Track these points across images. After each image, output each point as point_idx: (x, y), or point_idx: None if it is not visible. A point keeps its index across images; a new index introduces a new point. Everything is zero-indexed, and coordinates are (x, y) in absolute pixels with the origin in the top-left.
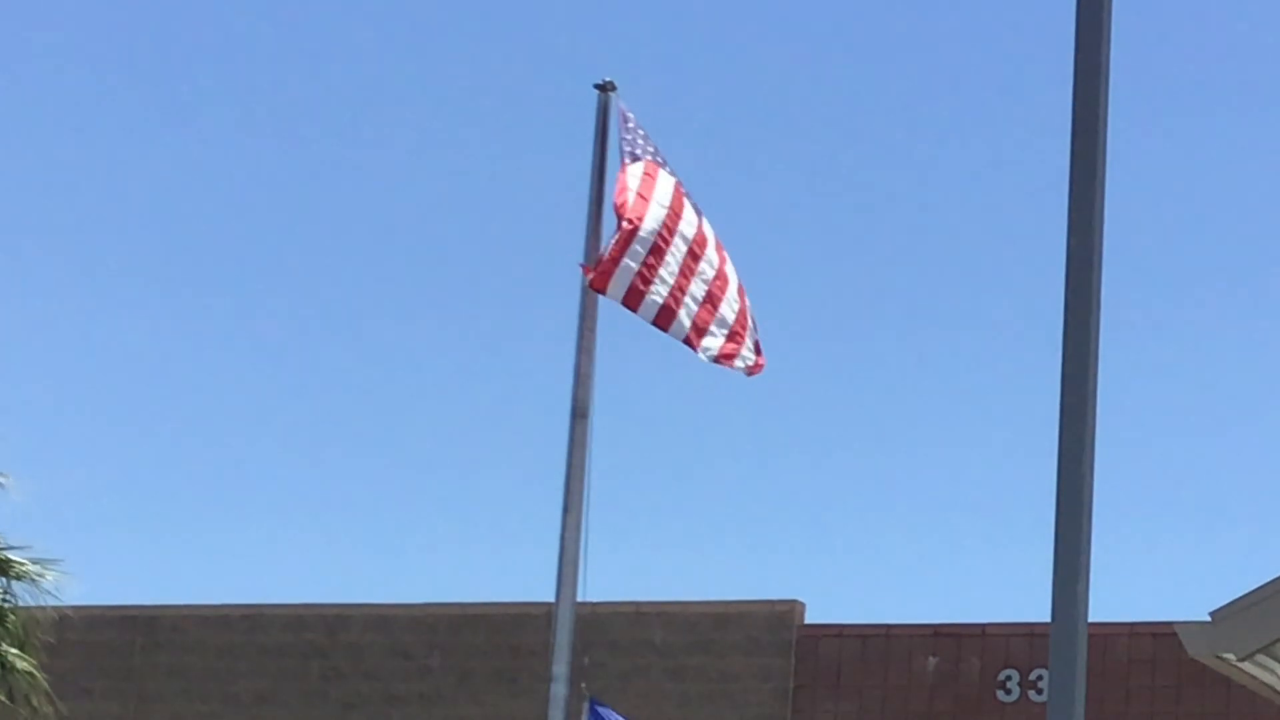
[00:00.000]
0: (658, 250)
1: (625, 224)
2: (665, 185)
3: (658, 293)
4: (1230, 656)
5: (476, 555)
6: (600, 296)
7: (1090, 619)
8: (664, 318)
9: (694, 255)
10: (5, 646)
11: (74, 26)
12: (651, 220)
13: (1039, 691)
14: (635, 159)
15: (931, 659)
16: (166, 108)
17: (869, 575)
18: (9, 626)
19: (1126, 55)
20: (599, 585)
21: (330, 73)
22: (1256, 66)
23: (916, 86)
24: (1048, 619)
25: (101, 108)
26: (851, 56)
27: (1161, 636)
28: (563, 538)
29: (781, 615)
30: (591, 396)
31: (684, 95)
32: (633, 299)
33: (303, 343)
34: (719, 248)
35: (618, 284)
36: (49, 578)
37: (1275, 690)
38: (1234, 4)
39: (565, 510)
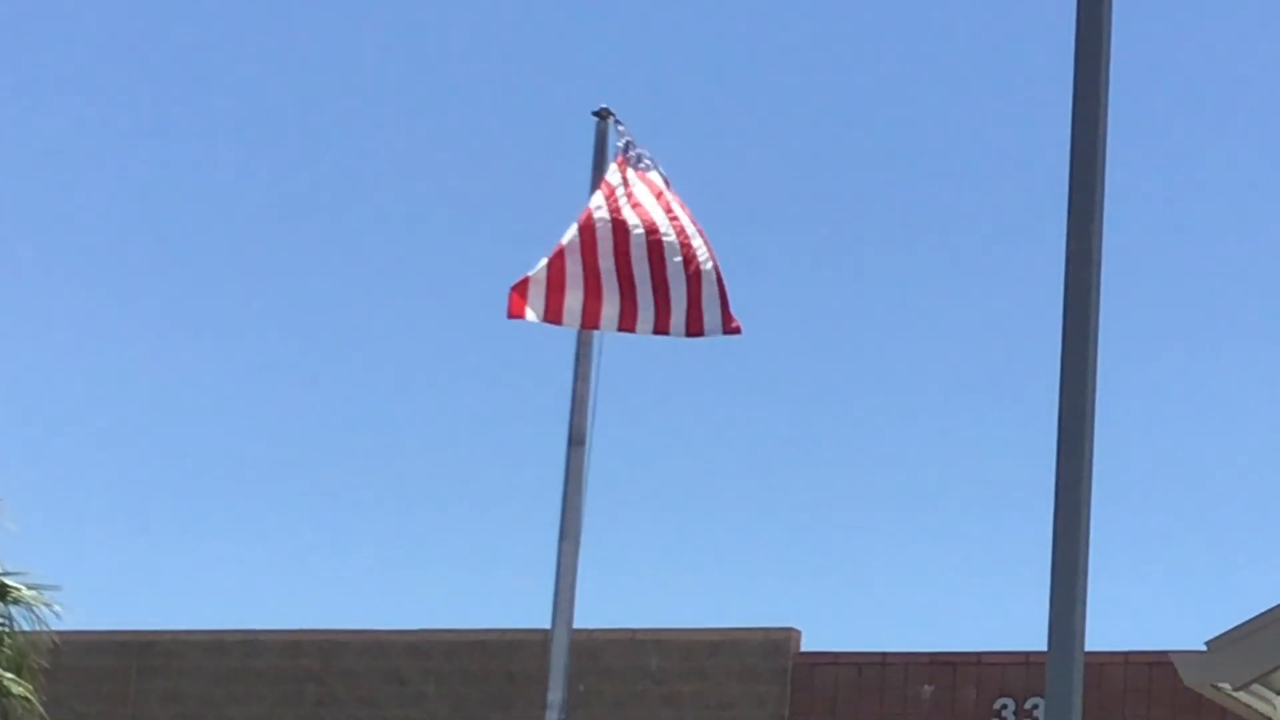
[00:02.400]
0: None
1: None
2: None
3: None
4: (1226, 686)
5: (473, 581)
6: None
7: (1086, 648)
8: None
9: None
10: (1, 671)
11: (71, 23)
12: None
13: None
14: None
15: (927, 687)
16: (142, 121)
17: (865, 603)
18: (5, 651)
19: (1126, 64)
20: (595, 612)
21: (321, 98)
22: (1256, 74)
23: (912, 97)
24: (1044, 648)
25: (84, 106)
26: (849, 79)
27: (1157, 666)
28: (559, 564)
29: (777, 642)
30: (589, 424)
31: (682, 122)
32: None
33: (299, 369)
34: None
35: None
36: (45, 605)
37: None
38: (1234, 14)
39: (562, 537)
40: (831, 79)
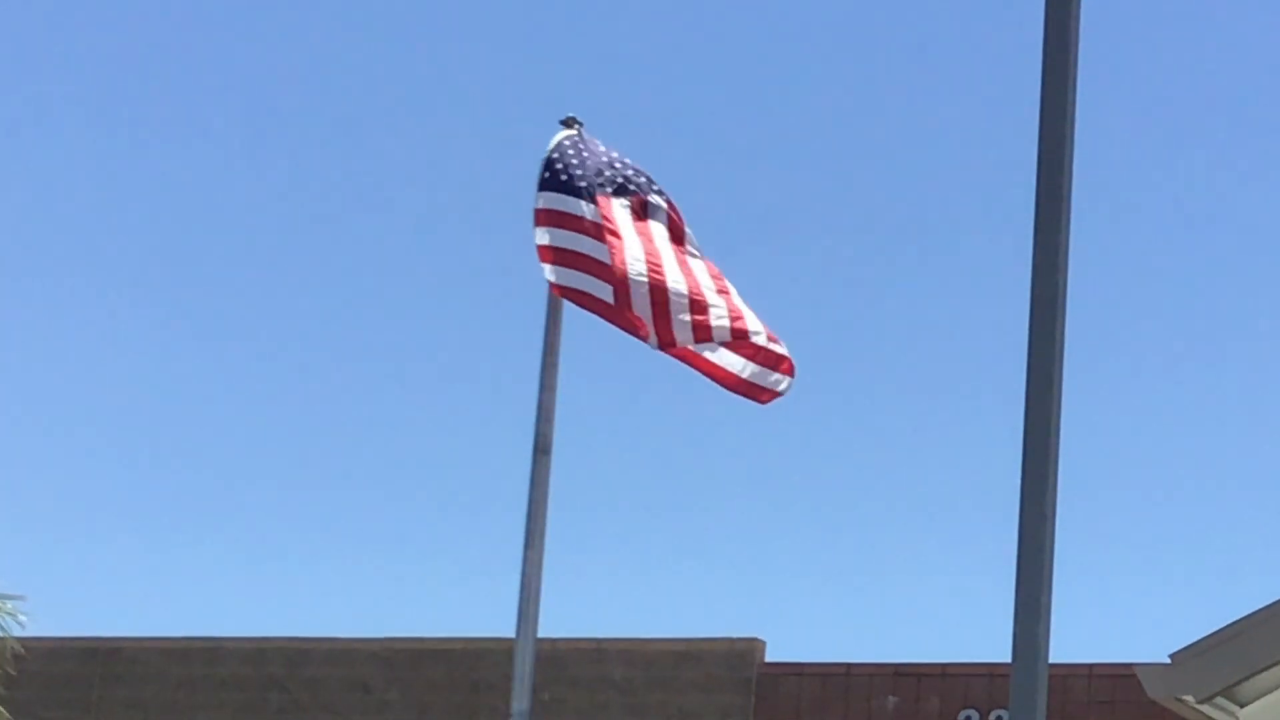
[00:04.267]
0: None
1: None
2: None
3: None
4: (1189, 699)
5: (437, 590)
6: (561, 333)
7: (1051, 660)
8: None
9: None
10: None
11: (64, 23)
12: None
13: None
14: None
15: (891, 698)
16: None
17: (829, 613)
18: None
19: (1100, 83)
20: (559, 621)
21: (289, 105)
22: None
23: (888, 99)
24: (1008, 659)
25: (75, 107)
26: (824, 83)
27: (1121, 678)
28: (524, 573)
29: (742, 653)
30: (554, 432)
31: (650, 128)
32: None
33: (262, 378)
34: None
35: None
36: (9, 614)
37: None
38: (1207, 21)
39: (527, 546)
40: (805, 83)
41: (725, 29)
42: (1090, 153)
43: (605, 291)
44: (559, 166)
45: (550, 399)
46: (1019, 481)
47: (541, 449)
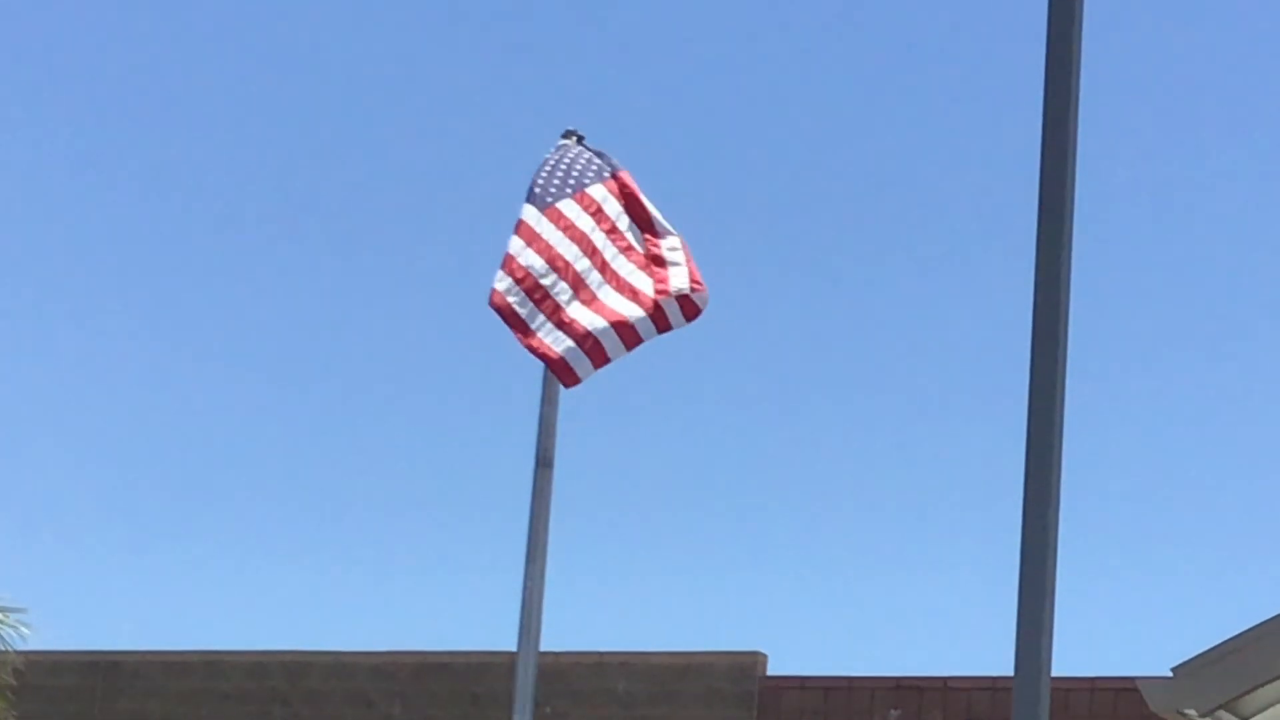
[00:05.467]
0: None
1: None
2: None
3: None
4: (1192, 712)
5: (439, 603)
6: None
7: (1053, 674)
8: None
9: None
10: None
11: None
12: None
13: None
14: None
15: (893, 712)
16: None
17: (832, 626)
18: None
19: (1099, 100)
20: (561, 634)
21: (286, 119)
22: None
23: (889, 105)
24: (1010, 672)
25: (58, 109)
26: (822, 89)
27: (1123, 691)
28: (525, 586)
29: (744, 666)
30: (555, 445)
31: (648, 132)
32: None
33: (262, 391)
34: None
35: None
36: (11, 627)
37: None
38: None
39: (528, 559)
40: (809, 89)
41: (727, 33)
42: (1094, 154)
43: (528, 308)
44: (534, 177)
45: (552, 412)
46: (1021, 494)
47: (543, 462)
